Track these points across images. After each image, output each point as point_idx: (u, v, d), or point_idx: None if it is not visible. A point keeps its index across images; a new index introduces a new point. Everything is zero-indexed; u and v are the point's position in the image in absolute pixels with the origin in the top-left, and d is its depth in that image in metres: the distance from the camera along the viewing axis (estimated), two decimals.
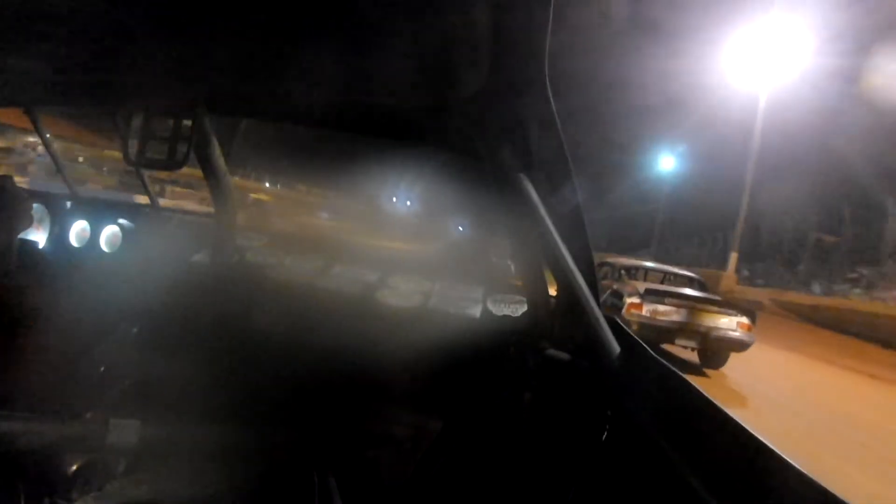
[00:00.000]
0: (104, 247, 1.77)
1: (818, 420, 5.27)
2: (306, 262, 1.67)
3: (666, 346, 6.51)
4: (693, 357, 6.87)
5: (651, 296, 6.37)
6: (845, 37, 15.33)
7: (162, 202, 2.42)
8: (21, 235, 1.54)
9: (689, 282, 8.11)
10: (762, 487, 0.64)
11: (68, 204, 1.88)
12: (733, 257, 18.42)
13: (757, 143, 17.86)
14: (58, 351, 1.36)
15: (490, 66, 0.92)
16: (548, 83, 0.90)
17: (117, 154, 1.39)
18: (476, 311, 1.52)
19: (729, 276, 17.97)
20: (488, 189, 1.19)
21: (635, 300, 6.31)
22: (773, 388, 6.42)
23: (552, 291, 1.33)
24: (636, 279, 7.89)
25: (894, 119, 14.54)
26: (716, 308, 6.48)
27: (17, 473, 1.03)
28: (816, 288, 18.23)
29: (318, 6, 0.90)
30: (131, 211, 1.89)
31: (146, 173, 2.22)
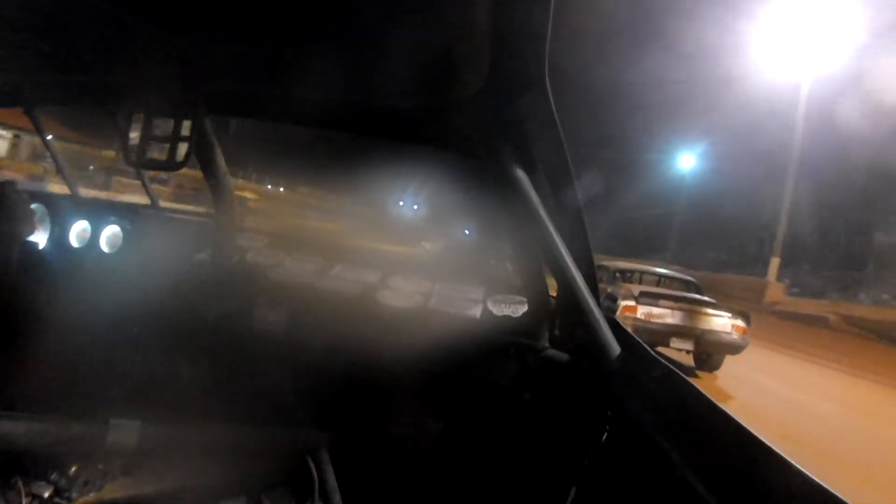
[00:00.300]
0: (104, 247, 1.77)
1: None
2: (306, 262, 1.67)
3: (661, 349, 6.55)
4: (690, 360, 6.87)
5: (646, 298, 6.42)
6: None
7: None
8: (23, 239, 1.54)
9: (685, 285, 8.13)
10: (763, 487, 0.64)
11: (68, 204, 1.88)
12: (774, 263, 16.60)
13: (800, 134, 16.04)
14: (58, 351, 1.36)
15: (490, 66, 0.92)
16: (548, 83, 0.90)
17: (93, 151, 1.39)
18: (476, 312, 1.52)
19: (775, 286, 16.19)
20: (488, 189, 1.19)
21: (630, 303, 6.36)
22: None
23: (552, 292, 1.33)
24: (631, 282, 7.94)
25: None
26: (710, 310, 6.53)
27: (17, 473, 1.03)
28: (885, 299, 15.74)
29: (319, 6, 0.90)
30: (131, 211, 1.89)
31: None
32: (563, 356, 1.23)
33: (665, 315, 6.33)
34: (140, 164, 1.26)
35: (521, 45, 0.85)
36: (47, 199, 1.86)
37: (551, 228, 1.07)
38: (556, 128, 0.98)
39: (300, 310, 1.51)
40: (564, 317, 1.29)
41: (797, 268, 19.10)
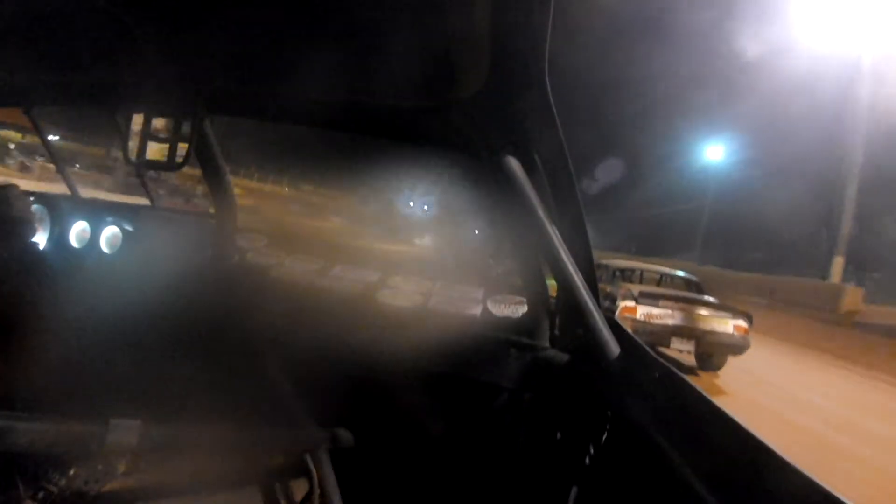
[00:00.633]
0: (104, 247, 1.77)
1: None
2: (306, 262, 1.67)
3: (662, 350, 6.49)
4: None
5: (645, 298, 6.32)
6: None
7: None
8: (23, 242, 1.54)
9: (686, 284, 7.99)
10: (762, 487, 0.64)
11: (68, 205, 1.88)
12: (838, 263, 14.41)
13: (863, 117, 13.58)
14: (58, 351, 1.36)
15: (490, 66, 0.92)
16: (548, 83, 0.90)
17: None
18: (476, 312, 1.52)
19: (851, 291, 13.71)
20: (488, 189, 1.19)
21: (629, 303, 6.27)
22: None
23: (552, 292, 1.33)
24: (631, 281, 7.79)
25: None
26: (712, 310, 6.44)
27: (17, 473, 1.03)
28: None
29: (319, 7, 0.90)
30: (131, 211, 1.89)
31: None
32: (563, 356, 1.23)
33: (665, 315, 6.24)
34: (140, 164, 1.26)
35: (521, 45, 0.85)
36: (47, 200, 1.86)
37: (551, 228, 1.07)
38: (556, 128, 0.98)
39: (300, 310, 1.51)
40: (564, 317, 1.29)
41: (857, 269, 16.87)
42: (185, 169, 1.26)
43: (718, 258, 21.02)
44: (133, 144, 1.24)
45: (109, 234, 1.78)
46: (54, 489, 1.07)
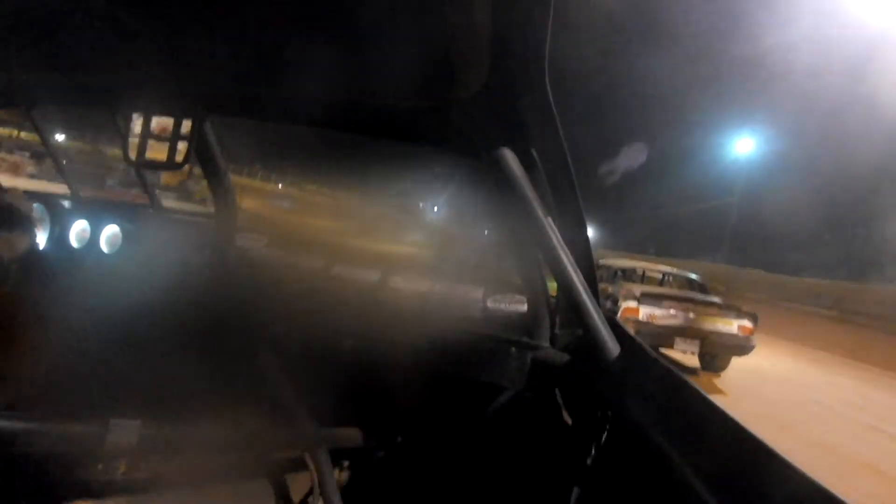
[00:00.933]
0: (104, 247, 1.77)
1: None
2: (306, 262, 1.67)
3: (665, 351, 6.36)
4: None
5: (648, 299, 6.22)
6: None
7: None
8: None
9: (689, 283, 7.88)
10: (763, 488, 0.64)
11: (68, 204, 1.88)
12: None
13: None
14: (58, 351, 1.36)
15: (490, 66, 0.92)
16: (548, 83, 0.90)
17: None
18: (476, 311, 1.52)
19: None
20: (488, 189, 1.19)
21: (631, 304, 6.17)
22: None
23: (552, 291, 1.33)
24: (633, 281, 7.68)
25: None
26: (716, 310, 6.35)
27: (16, 473, 1.03)
28: None
29: (319, 7, 0.90)
30: (131, 211, 1.89)
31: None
32: (563, 356, 1.23)
33: (668, 316, 6.13)
34: (140, 164, 1.26)
35: (521, 45, 0.85)
36: (47, 200, 1.86)
37: (551, 228, 1.07)
38: (557, 127, 0.98)
39: (300, 310, 1.51)
40: (564, 316, 1.29)
41: None
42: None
43: (751, 260, 18.96)
44: (133, 144, 1.24)
45: (109, 233, 1.78)
46: (54, 489, 1.07)
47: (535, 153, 1.05)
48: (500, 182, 1.09)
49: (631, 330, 1.15)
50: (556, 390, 1.20)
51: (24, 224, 1.47)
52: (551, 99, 0.92)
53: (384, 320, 1.49)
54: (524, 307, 1.46)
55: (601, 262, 8.55)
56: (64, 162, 2.40)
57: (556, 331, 1.32)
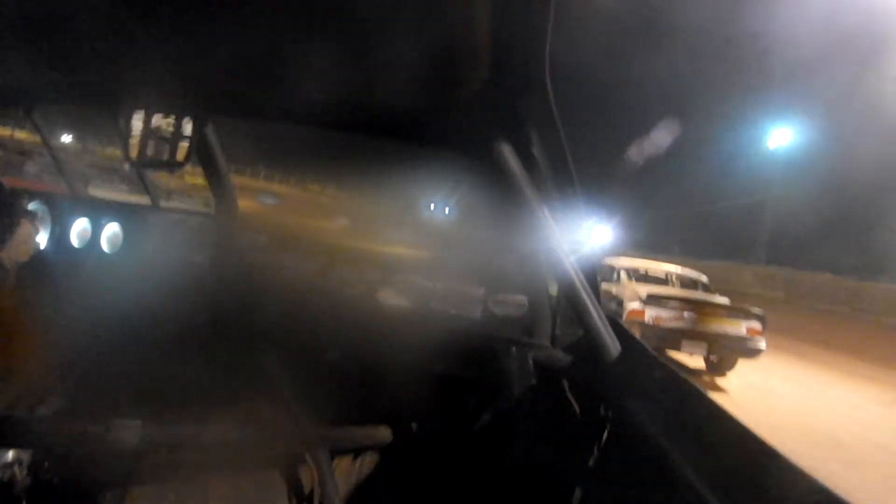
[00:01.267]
0: (105, 246, 1.77)
1: None
2: (307, 262, 1.67)
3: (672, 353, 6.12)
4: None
5: (654, 301, 6.01)
6: None
7: None
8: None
9: (693, 284, 7.65)
10: (763, 487, 0.64)
11: (69, 203, 1.88)
12: None
13: None
14: (59, 351, 1.36)
15: (490, 66, 0.92)
16: (548, 83, 0.90)
17: None
18: (477, 311, 1.52)
19: None
20: (489, 189, 1.19)
21: (636, 306, 5.98)
22: None
23: (553, 292, 1.33)
24: (637, 282, 7.34)
25: None
26: (723, 312, 6.14)
27: (17, 473, 1.03)
28: None
29: (319, 7, 0.90)
30: (132, 211, 1.89)
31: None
32: (564, 356, 1.23)
33: (675, 318, 5.90)
34: (141, 163, 1.26)
35: (521, 45, 0.85)
36: (48, 198, 1.86)
37: (552, 228, 1.07)
38: (557, 127, 0.98)
39: (300, 309, 1.51)
40: (565, 316, 1.29)
41: None
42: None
43: (794, 260, 16.69)
44: (134, 144, 1.24)
45: (110, 232, 1.78)
46: (54, 490, 1.07)
47: (535, 153, 1.05)
48: (500, 182, 1.09)
49: (636, 332, 1.14)
50: (557, 390, 1.20)
51: (21, 222, 1.47)
52: (552, 98, 0.92)
53: (384, 320, 1.49)
54: (525, 307, 1.46)
55: (605, 261, 8.40)
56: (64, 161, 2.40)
57: (557, 331, 1.32)
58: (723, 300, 6.78)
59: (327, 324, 1.46)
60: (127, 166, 1.44)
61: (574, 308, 1.08)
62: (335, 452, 1.38)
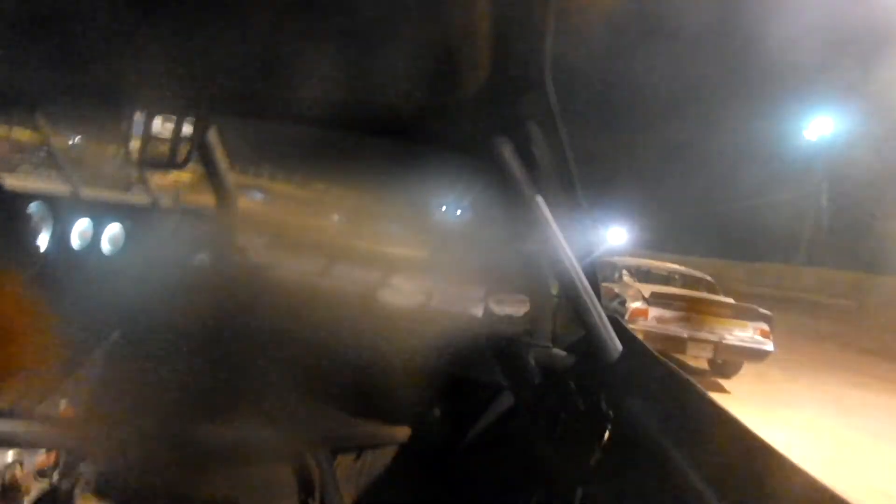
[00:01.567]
0: (106, 247, 1.77)
1: None
2: (307, 261, 1.67)
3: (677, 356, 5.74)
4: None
5: (657, 300, 5.76)
6: None
7: None
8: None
9: (697, 283, 7.36)
10: (765, 487, 0.64)
11: (70, 204, 1.88)
12: None
13: None
14: (58, 351, 1.36)
15: (490, 66, 0.92)
16: (548, 83, 0.90)
17: None
18: (478, 311, 1.52)
19: None
20: (489, 189, 1.19)
21: (639, 305, 5.73)
22: None
23: (554, 291, 1.33)
24: (639, 281, 7.10)
25: None
26: (730, 313, 5.84)
27: (17, 473, 1.04)
28: None
29: (320, 6, 0.90)
30: (133, 211, 1.89)
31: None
32: (565, 355, 1.23)
33: (680, 318, 5.64)
34: (142, 163, 1.26)
35: (521, 44, 0.85)
36: (48, 199, 1.86)
37: (553, 227, 1.07)
38: (557, 126, 0.98)
39: (301, 309, 1.51)
40: (566, 316, 1.29)
41: None
42: None
43: (850, 262, 14.68)
44: (135, 144, 1.24)
45: (111, 233, 1.78)
46: (54, 489, 1.07)
47: (536, 152, 1.05)
48: (500, 181, 1.09)
49: (638, 332, 1.14)
50: (558, 389, 1.20)
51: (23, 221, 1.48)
52: (552, 98, 0.92)
53: (385, 320, 1.49)
54: (526, 307, 1.46)
55: (604, 259, 8.24)
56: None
57: (558, 330, 1.32)
58: (728, 300, 6.49)
59: (328, 323, 1.46)
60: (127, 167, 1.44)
61: (575, 307, 1.08)
62: (336, 452, 1.38)
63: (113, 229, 1.78)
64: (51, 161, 2.18)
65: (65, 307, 1.42)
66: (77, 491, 1.10)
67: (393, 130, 1.35)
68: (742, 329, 5.73)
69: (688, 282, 7.53)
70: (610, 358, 1.03)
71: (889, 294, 11.92)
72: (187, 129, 1.23)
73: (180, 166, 1.25)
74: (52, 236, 1.81)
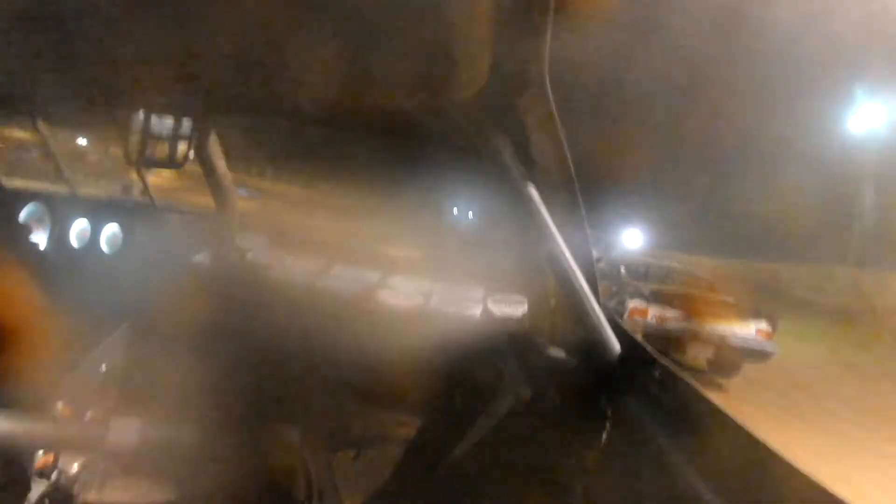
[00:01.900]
0: (104, 246, 1.77)
1: None
2: (307, 261, 1.67)
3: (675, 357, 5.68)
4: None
5: (658, 298, 5.70)
6: None
7: None
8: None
9: (697, 281, 7.27)
10: (764, 487, 0.64)
11: (69, 203, 1.88)
12: None
13: None
14: (58, 351, 1.36)
15: (490, 66, 0.92)
16: (548, 83, 0.90)
17: None
18: (476, 311, 1.52)
19: None
20: (488, 188, 1.19)
21: (639, 304, 5.67)
22: None
23: (553, 291, 1.33)
24: (637, 279, 7.01)
25: None
26: (732, 312, 5.76)
27: (17, 473, 1.03)
28: None
29: (320, 6, 0.90)
30: (132, 211, 1.89)
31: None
32: (564, 356, 1.23)
33: (680, 318, 5.55)
34: (141, 163, 1.26)
35: (521, 44, 0.85)
36: (47, 199, 1.86)
37: (552, 227, 1.07)
38: (556, 127, 0.98)
39: (300, 309, 1.51)
40: (565, 316, 1.29)
41: None
42: None
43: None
44: (134, 144, 1.25)
45: (110, 233, 1.78)
46: (54, 489, 1.07)
47: (535, 152, 1.05)
48: (500, 181, 1.09)
49: (637, 332, 1.14)
50: (557, 390, 1.20)
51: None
52: (551, 98, 0.92)
53: (385, 320, 1.49)
54: (525, 307, 1.46)
55: (602, 258, 8.14)
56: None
57: (557, 330, 1.32)
58: (729, 298, 6.40)
59: (327, 323, 1.46)
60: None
61: (574, 307, 1.08)
62: (335, 451, 1.38)
63: (111, 229, 1.78)
64: (50, 161, 2.18)
65: (64, 307, 1.42)
66: (77, 491, 1.10)
67: (392, 130, 1.35)
68: (744, 328, 5.62)
69: (686, 280, 7.41)
70: (609, 358, 1.03)
71: None
72: (186, 128, 1.23)
73: (179, 166, 1.25)
74: (51, 236, 1.80)
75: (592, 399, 1.02)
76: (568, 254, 1.08)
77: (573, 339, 1.24)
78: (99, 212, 1.81)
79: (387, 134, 1.38)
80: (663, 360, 0.98)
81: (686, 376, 0.91)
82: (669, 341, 5.41)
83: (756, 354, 5.67)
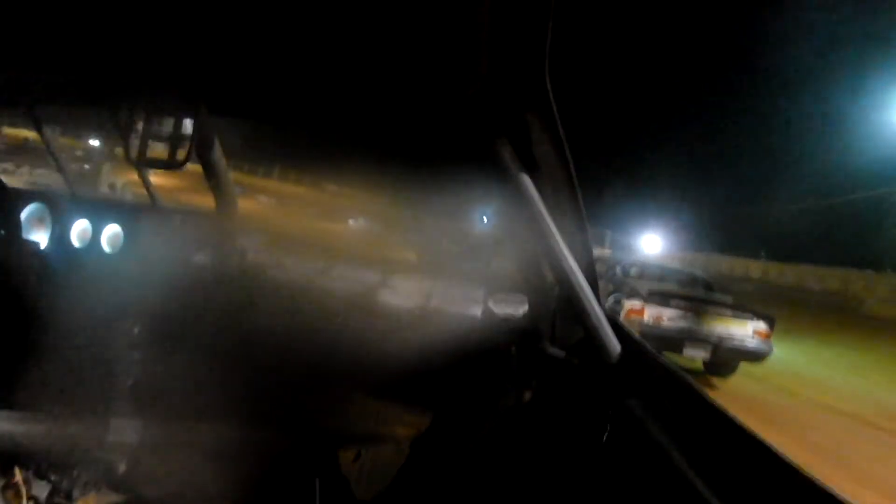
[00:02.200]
0: (105, 246, 1.77)
1: None
2: (307, 262, 1.67)
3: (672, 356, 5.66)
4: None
5: (655, 298, 5.71)
6: None
7: None
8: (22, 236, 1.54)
9: (693, 281, 7.32)
10: (764, 487, 0.64)
11: (69, 203, 1.88)
12: None
13: None
14: (58, 351, 1.36)
15: (490, 66, 0.92)
16: (548, 83, 0.90)
17: None
18: (477, 311, 1.52)
19: None
20: (488, 189, 1.19)
21: (636, 304, 5.69)
22: None
23: (553, 291, 1.33)
24: (635, 279, 7.08)
25: None
26: (729, 312, 5.78)
27: (17, 473, 1.04)
28: None
29: (319, 6, 0.90)
30: (133, 210, 1.89)
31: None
32: (564, 355, 1.23)
33: (677, 317, 5.56)
34: (141, 163, 1.26)
35: (520, 44, 0.85)
36: (48, 198, 1.86)
37: (552, 228, 1.07)
38: (557, 127, 0.98)
39: (300, 309, 1.51)
40: (565, 316, 1.29)
41: None
42: None
43: None
44: (134, 143, 1.25)
45: (111, 233, 1.78)
46: (54, 489, 1.07)
47: (535, 152, 1.05)
48: (500, 181, 1.09)
49: (635, 331, 1.14)
50: (558, 390, 1.20)
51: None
52: (551, 98, 0.92)
53: (385, 320, 1.49)
54: (525, 307, 1.46)
55: (602, 257, 8.17)
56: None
57: (557, 330, 1.32)
58: (727, 299, 6.44)
59: (328, 323, 1.46)
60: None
61: (574, 307, 1.08)
62: (336, 451, 1.38)
63: (112, 229, 1.78)
64: (49, 161, 2.18)
65: (64, 307, 1.42)
66: (77, 491, 1.10)
67: (391, 130, 1.35)
68: (742, 329, 5.66)
69: (685, 280, 7.45)
70: (609, 358, 1.03)
71: None
72: (186, 128, 1.23)
73: (180, 166, 1.25)
74: (52, 236, 1.80)
75: (593, 398, 1.02)
76: (568, 253, 1.08)
77: (574, 338, 1.24)
78: (100, 212, 1.81)
79: (386, 133, 1.38)
80: (663, 361, 0.98)
81: (686, 376, 0.91)
82: (666, 341, 5.44)
83: (754, 354, 5.70)
